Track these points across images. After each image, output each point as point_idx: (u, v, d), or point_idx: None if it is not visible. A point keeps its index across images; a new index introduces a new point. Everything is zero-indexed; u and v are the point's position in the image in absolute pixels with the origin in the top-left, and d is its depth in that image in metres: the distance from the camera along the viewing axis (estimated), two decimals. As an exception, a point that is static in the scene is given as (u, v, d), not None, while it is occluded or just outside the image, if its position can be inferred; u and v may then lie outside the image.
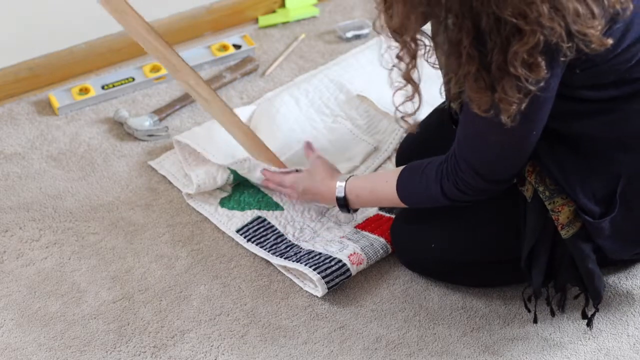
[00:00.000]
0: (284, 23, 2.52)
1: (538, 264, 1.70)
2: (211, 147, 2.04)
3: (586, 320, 1.76)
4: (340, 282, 1.83)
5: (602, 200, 1.63)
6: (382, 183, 1.80)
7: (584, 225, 1.65)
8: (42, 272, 1.88)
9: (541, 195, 1.65)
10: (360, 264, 1.85)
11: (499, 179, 1.63)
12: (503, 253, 1.75)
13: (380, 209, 1.98)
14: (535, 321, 1.77)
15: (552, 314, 1.78)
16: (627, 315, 1.82)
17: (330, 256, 1.85)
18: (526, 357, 1.75)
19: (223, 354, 1.74)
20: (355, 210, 1.91)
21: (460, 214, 1.78)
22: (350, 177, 1.86)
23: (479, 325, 1.80)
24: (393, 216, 1.93)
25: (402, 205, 1.78)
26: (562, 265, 1.70)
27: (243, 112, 2.14)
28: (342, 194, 1.85)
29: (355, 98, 2.19)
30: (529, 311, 1.77)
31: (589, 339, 1.77)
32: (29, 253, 1.92)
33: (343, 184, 1.85)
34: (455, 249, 1.79)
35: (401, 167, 1.77)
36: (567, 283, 1.74)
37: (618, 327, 1.80)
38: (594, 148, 1.61)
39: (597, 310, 1.74)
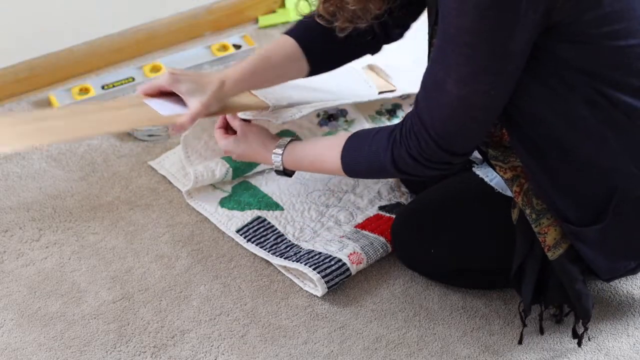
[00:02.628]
0: (284, 23, 2.52)
1: (527, 282, 1.69)
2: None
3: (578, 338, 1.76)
4: (340, 281, 1.83)
5: (592, 210, 1.60)
6: (324, 151, 1.73)
7: (571, 246, 1.64)
8: (42, 272, 1.88)
9: (528, 218, 1.64)
10: (360, 263, 1.85)
11: (455, 150, 1.57)
12: (503, 262, 1.73)
13: (380, 208, 1.98)
14: (520, 342, 1.75)
15: (541, 331, 1.77)
16: (627, 315, 1.82)
17: (330, 255, 1.85)
18: (526, 357, 1.75)
19: (223, 354, 1.74)
20: (293, 172, 1.83)
21: (459, 222, 1.77)
22: (287, 144, 1.78)
23: (479, 325, 1.80)
24: (393, 216, 1.93)
25: (342, 175, 1.71)
26: (550, 284, 1.69)
27: None
28: (280, 167, 1.78)
29: (362, 70, 2.16)
30: (525, 325, 1.75)
31: (589, 339, 1.77)
32: (29, 253, 1.92)
33: (280, 155, 1.77)
34: (454, 257, 1.79)
35: (347, 134, 1.70)
36: (556, 302, 1.74)
37: (618, 327, 1.80)
38: (595, 158, 1.56)
39: (586, 329, 1.73)
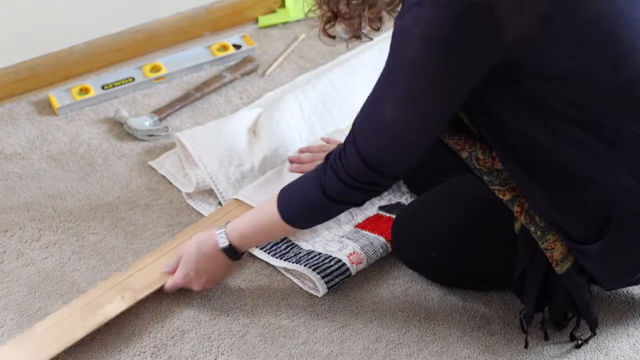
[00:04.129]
0: (284, 23, 2.52)
1: (529, 292, 1.69)
2: (207, 152, 2.02)
3: (577, 338, 1.76)
4: (340, 281, 1.83)
5: (593, 226, 1.59)
6: (263, 210, 1.68)
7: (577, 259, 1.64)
8: (42, 272, 1.88)
9: (533, 235, 1.64)
10: (360, 263, 1.85)
11: (384, 171, 1.55)
12: (504, 266, 1.73)
13: (380, 208, 1.98)
14: (526, 346, 1.75)
15: (546, 337, 1.77)
16: (627, 315, 1.82)
17: (330, 256, 1.85)
18: (526, 357, 1.74)
19: (223, 354, 1.74)
20: (243, 254, 1.75)
21: (460, 224, 1.77)
22: (227, 223, 1.74)
23: (479, 325, 1.80)
24: (393, 216, 1.93)
25: (289, 229, 1.67)
26: (556, 293, 1.69)
27: (249, 115, 2.13)
28: (226, 243, 1.71)
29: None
30: (524, 332, 1.75)
31: (587, 340, 1.77)
32: (29, 253, 1.92)
33: (223, 230, 1.72)
34: (455, 258, 1.79)
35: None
36: (562, 311, 1.74)
37: (618, 327, 1.80)
38: (591, 173, 1.55)
39: (594, 334, 1.74)
